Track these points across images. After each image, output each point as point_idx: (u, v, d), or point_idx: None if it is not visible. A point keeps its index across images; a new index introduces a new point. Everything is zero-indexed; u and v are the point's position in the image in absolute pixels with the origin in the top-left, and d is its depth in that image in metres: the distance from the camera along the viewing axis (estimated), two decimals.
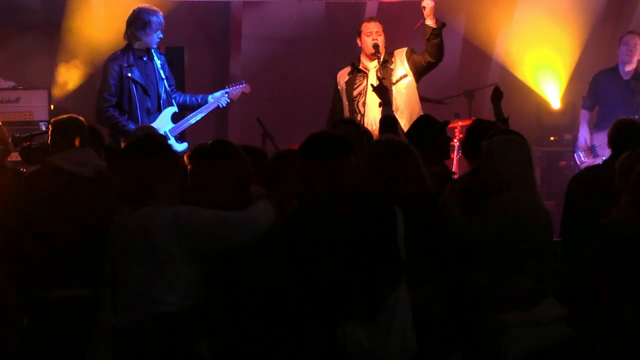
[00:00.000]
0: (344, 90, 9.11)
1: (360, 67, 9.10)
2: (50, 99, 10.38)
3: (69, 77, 11.28)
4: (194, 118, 9.41)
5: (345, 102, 9.08)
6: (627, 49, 10.02)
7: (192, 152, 5.30)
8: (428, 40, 8.94)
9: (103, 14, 11.36)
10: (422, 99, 9.32)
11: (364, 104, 8.98)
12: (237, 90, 9.62)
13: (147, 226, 4.83)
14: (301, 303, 4.87)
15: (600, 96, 10.11)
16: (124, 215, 4.90)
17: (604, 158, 9.48)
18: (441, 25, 8.91)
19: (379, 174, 5.44)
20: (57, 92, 11.12)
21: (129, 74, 9.10)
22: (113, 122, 9.07)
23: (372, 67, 9.02)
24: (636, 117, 9.63)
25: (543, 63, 12.00)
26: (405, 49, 9.12)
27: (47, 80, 11.13)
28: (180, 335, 4.81)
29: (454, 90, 11.62)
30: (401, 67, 9.01)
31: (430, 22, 8.90)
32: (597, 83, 10.23)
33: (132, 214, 4.86)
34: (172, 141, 9.01)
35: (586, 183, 6.72)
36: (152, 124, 8.97)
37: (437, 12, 12.09)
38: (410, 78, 9.01)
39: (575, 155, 10.44)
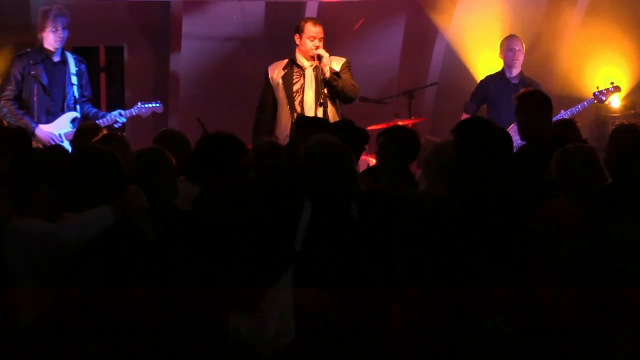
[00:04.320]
0: (281, 85, 9.10)
1: (298, 63, 9.12)
2: None
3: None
4: None
5: (283, 97, 9.06)
6: (513, 55, 10.05)
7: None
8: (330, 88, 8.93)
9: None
10: (362, 99, 9.34)
11: (300, 103, 9.02)
12: (147, 109, 9.68)
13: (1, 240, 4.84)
14: (186, 295, 4.87)
15: (492, 101, 10.10)
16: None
17: None
18: (333, 77, 8.89)
19: (312, 170, 5.34)
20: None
21: (32, 72, 9.29)
22: (6, 115, 9.26)
23: (308, 65, 9.07)
24: None
25: (482, 63, 12.07)
26: (344, 60, 9.14)
27: None
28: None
29: (394, 90, 11.68)
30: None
31: (327, 72, 8.89)
32: (486, 88, 10.18)
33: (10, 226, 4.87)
34: (65, 144, 9.12)
35: None
36: (50, 124, 9.28)
37: (377, 12, 12.21)
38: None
39: None
